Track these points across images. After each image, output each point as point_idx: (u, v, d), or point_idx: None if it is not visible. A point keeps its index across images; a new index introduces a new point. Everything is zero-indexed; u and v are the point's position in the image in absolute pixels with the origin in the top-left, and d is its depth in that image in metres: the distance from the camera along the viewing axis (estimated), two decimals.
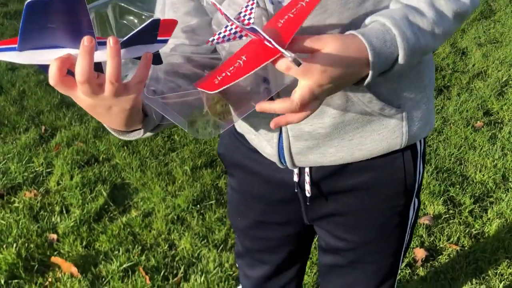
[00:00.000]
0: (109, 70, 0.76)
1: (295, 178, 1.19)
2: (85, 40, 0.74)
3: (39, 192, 2.70)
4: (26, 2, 0.69)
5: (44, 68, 0.79)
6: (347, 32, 0.89)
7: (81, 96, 0.79)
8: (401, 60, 0.88)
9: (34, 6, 0.69)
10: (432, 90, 1.17)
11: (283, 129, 1.11)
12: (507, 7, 4.75)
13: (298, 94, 0.84)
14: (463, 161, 2.84)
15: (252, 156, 1.24)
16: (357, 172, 1.16)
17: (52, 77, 0.76)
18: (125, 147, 3.05)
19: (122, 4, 0.98)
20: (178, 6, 1.07)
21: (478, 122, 3.15)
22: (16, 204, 2.61)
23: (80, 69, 0.75)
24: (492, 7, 4.80)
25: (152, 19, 0.80)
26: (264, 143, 1.17)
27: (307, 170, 1.17)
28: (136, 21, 1.00)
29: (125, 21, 1.00)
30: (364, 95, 1.03)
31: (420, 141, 1.17)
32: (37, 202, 2.62)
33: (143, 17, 1.02)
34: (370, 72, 0.87)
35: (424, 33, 0.90)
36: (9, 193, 2.70)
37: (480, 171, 2.74)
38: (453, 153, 2.88)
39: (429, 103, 1.15)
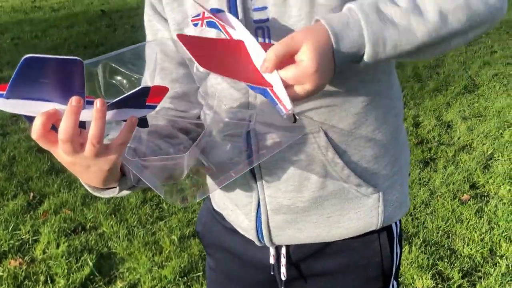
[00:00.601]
0: (91, 132, 0.76)
1: (271, 260, 1.18)
2: (74, 100, 0.74)
3: (24, 261, 2.66)
4: (24, 56, 0.69)
5: (28, 119, 0.78)
6: (314, 18, 0.90)
7: (61, 153, 0.79)
8: (367, 46, 0.86)
9: (32, 61, 0.70)
10: (407, 173, 1.19)
11: (261, 202, 1.12)
12: (490, 82, 4.89)
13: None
14: (450, 234, 2.85)
15: (229, 236, 1.24)
16: (334, 255, 1.15)
17: (35, 131, 0.75)
18: (113, 215, 3.03)
19: (113, 65, 1.00)
20: (167, 72, 1.10)
21: (465, 195, 3.19)
22: (0, 273, 2.57)
23: (64, 128, 0.74)
24: (476, 81, 4.94)
25: (143, 86, 0.80)
26: (241, 217, 1.17)
27: (283, 251, 1.17)
28: (125, 82, 1.01)
29: (114, 81, 1.01)
30: (343, 171, 1.05)
31: (396, 223, 1.19)
32: (22, 271, 2.58)
33: (133, 79, 1.02)
34: (335, 56, 0.86)
35: (395, 22, 0.87)
36: None
37: (468, 245, 2.75)
38: (440, 226, 2.90)
39: (404, 186, 1.17)
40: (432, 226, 2.90)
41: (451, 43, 0.93)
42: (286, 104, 0.85)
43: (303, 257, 1.17)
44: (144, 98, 0.82)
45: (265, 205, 1.12)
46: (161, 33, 1.13)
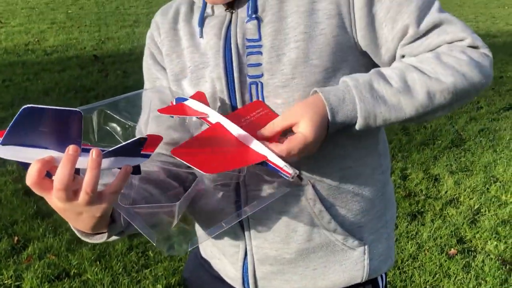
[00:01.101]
0: (86, 181, 0.77)
1: None
2: (71, 149, 0.75)
3: None
4: (24, 106, 0.70)
5: (23, 165, 0.78)
6: (313, 89, 0.97)
7: (54, 200, 0.80)
8: (360, 119, 0.93)
9: (31, 111, 0.70)
10: (393, 228, 1.21)
11: (248, 253, 1.12)
12: (476, 137, 4.96)
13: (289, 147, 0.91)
14: None
15: (216, 284, 1.23)
16: None
17: (30, 178, 0.76)
18: (98, 262, 2.99)
19: (108, 111, 1.01)
20: (163, 119, 1.12)
21: (452, 249, 3.19)
22: None
23: (60, 177, 0.75)
24: (462, 136, 5.01)
25: (139, 137, 0.82)
26: (228, 266, 1.17)
27: None
28: (119, 129, 1.03)
29: (108, 128, 1.02)
30: (329, 224, 1.07)
31: (382, 276, 1.19)
32: None
33: (127, 126, 1.04)
34: (329, 126, 0.94)
35: (386, 101, 0.93)
36: None
37: None
38: (428, 281, 2.88)
39: (390, 239, 1.19)
40: (420, 281, 2.88)
41: (436, 114, 1.00)
42: (288, 170, 0.90)
43: None
44: (140, 147, 0.84)
45: (252, 255, 1.12)
46: (159, 81, 1.16)
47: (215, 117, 0.96)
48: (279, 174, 0.92)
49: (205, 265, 1.26)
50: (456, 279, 2.91)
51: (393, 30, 1.00)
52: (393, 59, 1.03)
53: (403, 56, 1.02)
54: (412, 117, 0.96)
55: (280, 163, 0.90)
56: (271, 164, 0.91)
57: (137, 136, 1.07)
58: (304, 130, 0.90)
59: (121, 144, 0.81)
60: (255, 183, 1.05)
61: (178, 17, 1.13)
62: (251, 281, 1.14)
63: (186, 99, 1.00)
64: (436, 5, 1.01)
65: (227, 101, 1.04)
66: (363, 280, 1.14)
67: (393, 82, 0.95)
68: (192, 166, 0.86)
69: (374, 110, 0.93)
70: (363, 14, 0.99)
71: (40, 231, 3.27)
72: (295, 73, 0.99)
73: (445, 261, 3.06)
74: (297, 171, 0.91)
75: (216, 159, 0.89)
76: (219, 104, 1.06)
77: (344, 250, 1.11)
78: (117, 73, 6.61)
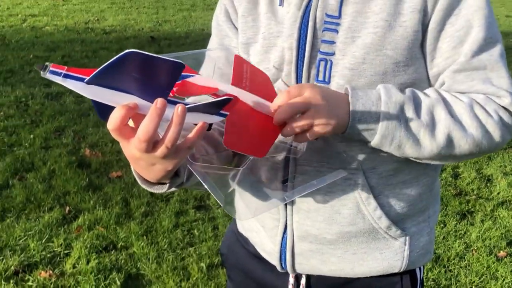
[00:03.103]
0: (169, 136, 0.76)
1: None
2: (159, 102, 0.74)
3: (54, 273, 2.69)
4: (128, 50, 0.69)
5: (98, 106, 0.77)
6: (344, 87, 0.97)
7: (131, 149, 0.79)
8: (377, 134, 0.94)
9: (133, 56, 0.70)
10: (435, 223, 1.20)
11: (288, 228, 1.12)
12: None
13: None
14: None
15: (251, 261, 1.24)
16: None
17: (112, 123, 0.75)
18: (145, 237, 3.05)
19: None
20: (228, 78, 1.11)
21: (501, 251, 3.10)
22: (29, 283, 2.60)
23: (145, 129, 0.75)
24: None
25: (226, 97, 0.81)
26: (266, 240, 1.17)
27: (303, 281, 1.16)
28: None
29: None
30: (375, 211, 1.06)
31: (420, 269, 1.18)
32: (51, 283, 2.60)
33: None
34: (348, 129, 0.94)
35: (408, 126, 0.95)
36: (24, 270, 2.70)
37: None
38: (474, 281, 2.82)
39: (431, 234, 1.17)
40: (466, 281, 2.82)
41: (448, 160, 1.02)
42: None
43: None
44: (222, 106, 0.84)
45: (292, 230, 1.12)
46: (228, 39, 1.16)
47: (225, 89, 0.93)
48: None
49: (241, 241, 1.27)
50: (504, 282, 2.83)
51: (453, 50, 0.99)
52: (437, 77, 1.03)
53: (442, 83, 1.02)
54: (425, 153, 0.97)
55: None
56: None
57: None
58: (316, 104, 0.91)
59: (207, 102, 0.81)
60: (308, 158, 1.05)
61: None
62: (288, 257, 1.13)
63: (190, 76, 0.95)
64: (498, 48, 1.00)
65: (293, 73, 1.03)
66: (401, 271, 1.13)
67: (423, 113, 0.95)
68: (248, 154, 0.87)
69: (394, 132, 0.94)
70: (438, 18, 0.99)
71: (91, 203, 3.36)
72: (366, 59, 0.98)
73: (493, 263, 2.98)
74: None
75: (258, 139, 0.90)
76: (283, 74, 1.05)
77: (386, 239, 1.10)
78: None
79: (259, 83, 0.95)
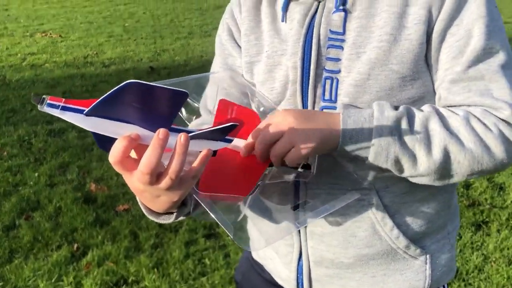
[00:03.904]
0: (173, 167, 0.73)
1: None
2: (161, 132, 0.72)
3: None
4: (128, 81, 0.67)
5: (98, 137, 0.75)
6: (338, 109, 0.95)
7: (134, 181, 0.77)
8: (371, 151, 0.91)
9: (133, 87, 0.68)
10: (455, 239, 1.15)
11: (303, 253, 1.08)
12: None
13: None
14: None
15: None
16: None
17: (114, 156, 0.73)
18: (155, 269, 3.00)
19: (189, 100, 0.98)
20: (232, 98, 1.08)
21: None
22: None
23: (147, 161, 0.72)
24: None
25: (232, 123, 0.79)
26: (281, 267, 1.13)
27: None
28: (194, 117, 1.02)
29: (180, 114, 0.99)
30: (392, 231, 1.02)
31: (444, 286, 1.14)
32: None
33: (195, 107, 1.03)
34: (339, 146, 0.91)
35: (403, 141, 0.90)
36: None
37: None
38: None
39: (452, 250, 1.13)
40: None
41: (448, 179, 0.95)
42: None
43: None
44: (228, 132, 0.82)
45: (307, 256, 1.08)
46: (232, 59, 1.13)
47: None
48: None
49: (256, 268, 1.23)
50: None
51: (452, 61, 0.95)
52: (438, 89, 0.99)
53: (440, 97, 0.98)
54: (422, 170, 0.92)
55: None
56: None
57: (202, 111, 1.05)
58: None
59: (211, 128, 0.79)
60: (319, 181, 1.01)
61: None
62: (305, 283, 1.10)
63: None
64: (500, 57, 0.94)
65: (299, 92, 1.00)
66: None
67: (416, 126, 0.91)
68: (229, 195, 0.85)
69: (388, 148, 0.90)
70: (439, 28, 0.95)
71: (99, 239, 3.31)
72: (371, 74, 0.95)
73: None
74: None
75: (240, 177, 0.88)
76: (288, 94, 1.02)
77: (405, 259, 1.06)
78: None
79: (246, 123, 0.92)
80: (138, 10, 12.54)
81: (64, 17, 11.44)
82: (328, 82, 0.98)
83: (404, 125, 0.90)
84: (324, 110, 0.97)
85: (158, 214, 0.92)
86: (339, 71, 0.97)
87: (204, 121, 1.08)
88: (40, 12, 11.96)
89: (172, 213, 0.92)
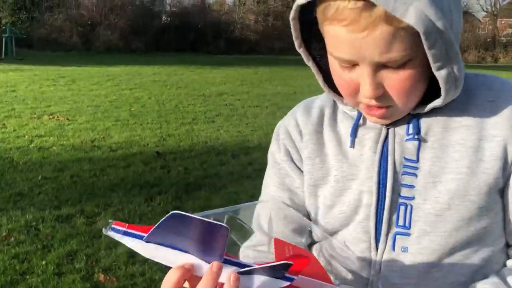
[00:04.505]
0: None
1: None
2: (215, 265, 0.74)
3: None
4: (172, 212, 0.70)
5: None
6: None
7: None
8: None
9: (177, 217, 0.71)
10: None
11: None
12: None
13: None
14: None
15: None
16: None
17: (169, 285, 0.74)
18: None
19: (238, 220, 0.98)
20: (289, 221, 1.09)
21: None
22: None
23: None
24: None
25: (284, 261, 0.78)
26: None
27: None
28: (239, 237, 1.01)
29: (232, 236, 0.99)
30: None
31: None
32: None
33: (250, 233, 1.02)
34: None
35: None
36: None
37: None
38: None
39: None
40: None
41: None
42: None
43: None
44: (285, 269, 0.80)
45: None
46: (290, 179, 1.14)
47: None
48: None
49: None
50: None
51: None
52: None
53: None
54: None
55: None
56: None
57: (256, 231, 1.04)
58: None
59: (264, 265, 0.78)
60: None
61: (322, 120, 1.12)
62: None
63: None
64: None
65: (373, 216, 1.02)
66: None
67: None
68: None
69: None
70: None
71: None
72: (451, 205, 0.97)
73: None
74: None
75: None
76: (360, 218, 1.03)
77: None
78: (179, 170, 6.74)
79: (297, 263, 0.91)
80: (143, 95, 12.83)
81: (71, 100, 11.67)
82: (402, 208, 1.00)
83: None
84: (397, 236, 0.99)
85: None
86: (413, 198, 0.99)
87: (259, 242, 1.08)
88: (47, 94, 12.22)
89: None
